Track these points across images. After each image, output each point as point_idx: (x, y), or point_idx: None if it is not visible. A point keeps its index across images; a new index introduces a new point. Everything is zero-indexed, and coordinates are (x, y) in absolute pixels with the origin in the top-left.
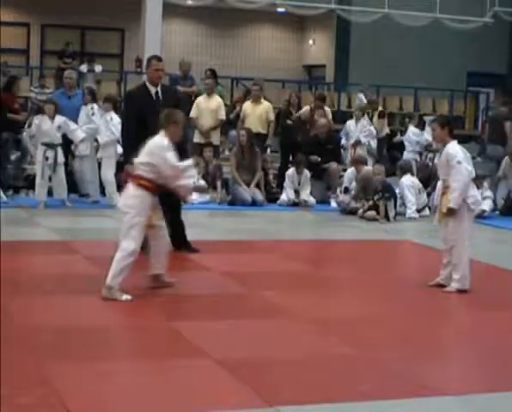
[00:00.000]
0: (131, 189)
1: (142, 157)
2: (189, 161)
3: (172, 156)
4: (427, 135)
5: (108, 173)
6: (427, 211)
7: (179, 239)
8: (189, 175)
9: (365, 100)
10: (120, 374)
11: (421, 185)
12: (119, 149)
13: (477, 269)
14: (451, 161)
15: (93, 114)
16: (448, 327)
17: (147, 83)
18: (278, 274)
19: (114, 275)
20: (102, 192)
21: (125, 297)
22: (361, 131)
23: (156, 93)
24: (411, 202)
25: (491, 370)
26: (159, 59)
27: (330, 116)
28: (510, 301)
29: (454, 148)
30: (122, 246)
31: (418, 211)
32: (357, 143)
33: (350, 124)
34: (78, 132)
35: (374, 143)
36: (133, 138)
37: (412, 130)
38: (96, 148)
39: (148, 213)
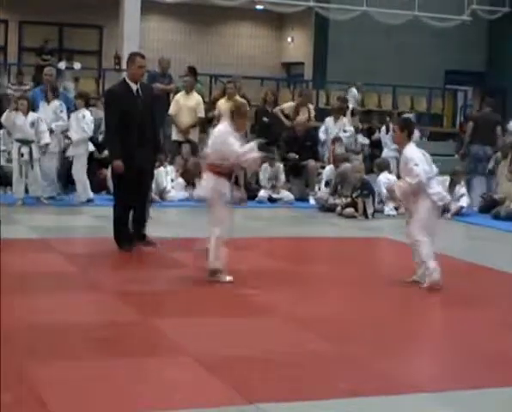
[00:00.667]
0: (207, 177)
1: (210, 147)
2: (252, 143)
3: (235, 142)
4: None
5: (80, 171)
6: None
7: (138, 233)
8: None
9: (357, 95)
10: (99, 372)
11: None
12: (91, 147)
13: (452, 266)
14: (408, 164)
15: (61, 111)
16: (423, 324)
17: (127, 80)
18: (257, 271)
19: (215, 258)
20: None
21: (228, 278)
22: (340, 129)
23: (137, 90)
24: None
25: (467, 367)
26: (142, 57)
27: (313, 113)
28: (485, 298)
29: (410, 151)
30: (213, 232)
31: (397, 208)
32: (337, 140)
33: (329, 120)
34: (46, 135)
35: (357, 141)
36: (116, 135)
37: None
38: (66, 146)
39: (226, 197)
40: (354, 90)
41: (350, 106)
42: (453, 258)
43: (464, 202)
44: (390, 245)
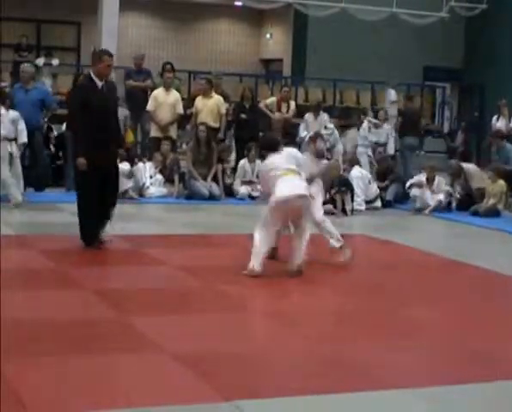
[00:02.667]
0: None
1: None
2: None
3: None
4: (371, 135)
5: (4, 173)
6: (378, 202)
7: (97, 233)
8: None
9: (394, 97)
10: (75, 369)
11: (370, 176)
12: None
13: (431, 262)
14: None
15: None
16: (401, 320)
17: (93, 77)
18: (235, 268)
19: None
20: None
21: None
22: (321, 125)
23: (103, 86)
24: (356, 193)
25: (446, 363)
26: (110, 55)
27: (293, 109)
28: (460, 293)
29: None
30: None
31: (368, 202)
32: (317, 136)
33: (309, 117)
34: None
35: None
36: (83, 130)
37: (364, 126)
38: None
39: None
40: (391, 91)
41: (391, 109)
42: (432, 254)
43: (442, 196)
44: (367, 241)
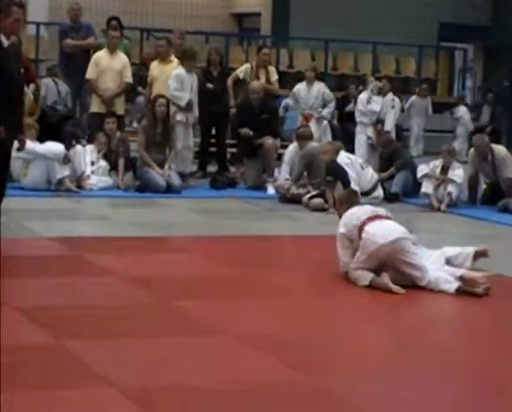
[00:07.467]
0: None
1: None
2: None
3: None
4: (374, 104)
5: None
6: (379, 191)
7: None
8: None
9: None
10: (17, 407)
11: (361, 160)
12: None
13: None
14: None
15: None
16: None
17: None
18: (197, 279)
19: None
20: None
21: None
22: (316, 98)
23: (9, 46)
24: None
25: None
26: (20, 6)
27: (274, 77)
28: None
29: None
30: None
31: (365, 194)
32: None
33: (300, 88)
34: None
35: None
36: None
37: (362, 97)
38: None
39: None
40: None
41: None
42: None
43: (451, 187)
44: None
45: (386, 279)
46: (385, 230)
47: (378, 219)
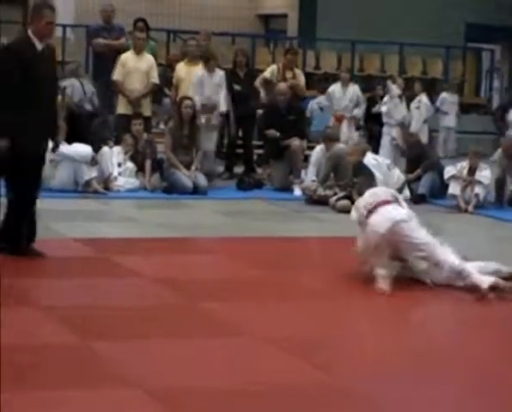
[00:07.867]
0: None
1: None
2: None
3: None
4: (394, 108)
5: None
6: (406, 192)
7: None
8: None
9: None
10: (36, 407)
11: (388, 161)
12: None
13: None
14: None
15: None
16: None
17: (32, 36)
18: (223, 280)
19: None
20: None
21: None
22: (351, 100)
23: (43, 50)
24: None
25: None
26: (52, 9)
27: (302, 80)
28: None
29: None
30: None
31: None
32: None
33: (335, 89)
34: None
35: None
36: (7, 103)
37: (385, 100)
38: None
39: None
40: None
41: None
42: None
43: (479, 188)
44: None
45: (382, 272)
46: (381, 217)
47: (380, 206)
